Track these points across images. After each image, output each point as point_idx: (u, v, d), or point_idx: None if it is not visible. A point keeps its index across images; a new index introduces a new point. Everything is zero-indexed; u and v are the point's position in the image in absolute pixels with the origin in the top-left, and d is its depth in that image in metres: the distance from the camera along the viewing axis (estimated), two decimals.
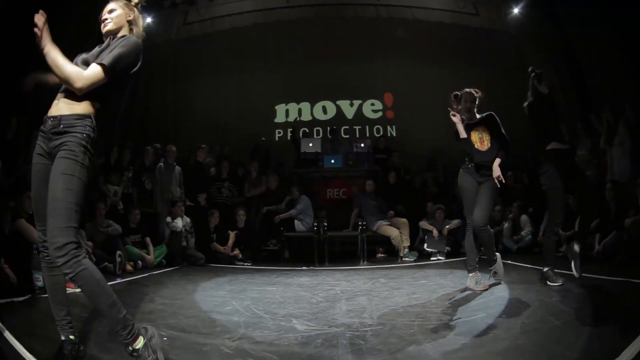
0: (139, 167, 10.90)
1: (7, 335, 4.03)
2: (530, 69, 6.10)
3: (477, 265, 6.27)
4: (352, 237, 10.60)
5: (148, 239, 9.53)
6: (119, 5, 3.73)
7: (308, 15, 14.00)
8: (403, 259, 10.09)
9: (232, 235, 10.27)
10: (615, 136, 9.64)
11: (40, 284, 6.39)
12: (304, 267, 9.38)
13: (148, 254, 9.36)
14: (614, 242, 8.53)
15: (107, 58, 3.29)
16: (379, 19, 13.91)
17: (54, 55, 3.18)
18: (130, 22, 3.76)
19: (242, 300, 5.81)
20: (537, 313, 4.29)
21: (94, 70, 3.28)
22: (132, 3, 3.82)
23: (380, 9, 13.73)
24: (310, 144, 12.73)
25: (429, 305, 5.29)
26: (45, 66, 3.21)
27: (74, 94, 3.31)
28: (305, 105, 15.07)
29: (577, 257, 6.17)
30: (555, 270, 6.04)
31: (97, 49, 3.52)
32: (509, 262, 7.70)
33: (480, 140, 6.23)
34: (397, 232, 10.34)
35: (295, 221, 11.06)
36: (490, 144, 6.19)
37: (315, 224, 10.55)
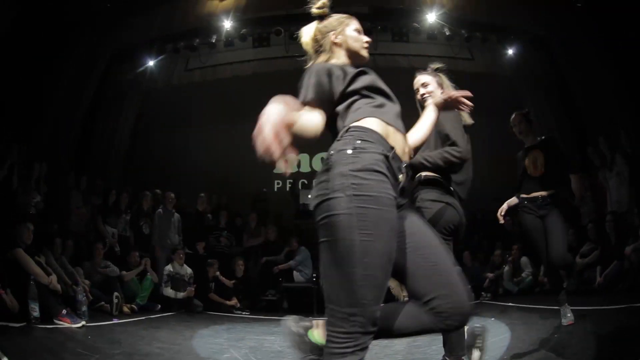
0: (136, 211, 10.94)
1: None
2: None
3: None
4: None
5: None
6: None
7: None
8: None
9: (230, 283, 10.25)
10: (613, 167, 9.66)
11: (36, 314, 6.41)
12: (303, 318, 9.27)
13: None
14: (615, 272, 8.53)
15: None
16: (376, 68, 13.95)
17: None
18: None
19: (240, 348, 5.72)
20: (540, 352, 4.23)
21: None
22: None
23: (377, 58, 13.81)
24: (310, 196, 12.73)
25: (430, 352, 5.20)
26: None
27: None
28: (304, 157, 15.13)
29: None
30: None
31: None
32: (510, 304, 7.59)
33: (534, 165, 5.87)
34: (395, 282, 10.23)
35: (294, 272, 10.99)
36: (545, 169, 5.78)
37: (314, 274, 10.48)
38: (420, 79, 4.27)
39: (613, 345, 4.49)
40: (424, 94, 4.16)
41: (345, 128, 2.62)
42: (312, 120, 2.60)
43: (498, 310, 8.06)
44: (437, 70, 4.34)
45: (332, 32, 2.93)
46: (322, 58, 2.94)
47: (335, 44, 2.93)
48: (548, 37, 11.80)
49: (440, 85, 4.20)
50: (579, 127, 11.67)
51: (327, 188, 2.41)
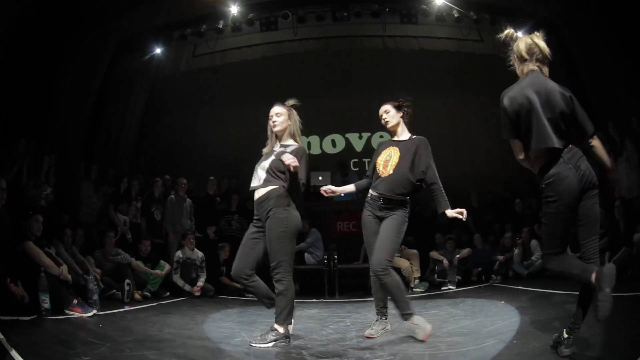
0: (148, 198, 10.97)
1: (14, 354, 3.99)
2: None
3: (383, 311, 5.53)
4: (363, 269, 10.44)
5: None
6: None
7: (316, 48, 14.07)
8: (414, 289, 10.00)
9: None
10: (623, 152, 9.61)
11: (46, 305, 6.44)
12: (314, 300, 9.31)
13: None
14: (624, 258, 8.49)
15: None
16: (386, 50, 13.97)
17: None
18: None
19: (252, 331, 5.74)
20: (547, 336, 4.23)
21: None
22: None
23: (387, 40, 13.76)
24: (320, 177, 12.69)
25: (440, 334, 5.20)
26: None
27: None
28: (314, 139, 15.07)
29: None
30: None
31: None
32: (520, 287, 7.55)
33: (385, 164, 5.50)
34: (407, 264, 10.28)
35: (305, 254, 11.02)
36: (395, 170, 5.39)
37: (326, 256, 10.51)
38: (276, 109, 5.35)
39: (622, 332, 4.49)
40: (274, 121, 5.30)
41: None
42: None
43: (508, 293, 8.07)
44: (292, 106, 5.40)
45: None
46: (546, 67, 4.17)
47: None
48: (557, 20, 11.70)
49: (289, 116, 5.33)
50: (588, 111, 11.54)
51: None
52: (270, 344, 4.87)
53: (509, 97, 3.95)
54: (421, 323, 4.99)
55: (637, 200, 9.24)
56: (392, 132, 5.70)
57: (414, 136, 5.59)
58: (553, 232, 3.93)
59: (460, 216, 5.11)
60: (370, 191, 5.46)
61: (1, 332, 4.41)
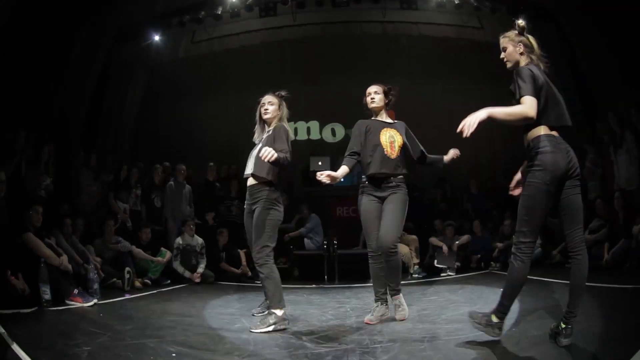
0: (148, 185, 10.97)
1: (15, 347, 4.02)
2: None
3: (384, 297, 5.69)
4: (362, 255, 10.44)
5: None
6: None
7: (315, 33, 13.97)
8: (413, 275, 10.04)
9: (242, 253, 10.20)
10: (623, 144, 9.60)
11: (47, 297, 6.42)
12: (313, 285, 9.33)
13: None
14: (623, 250, 8.56)
15: None
16: (385, 36, 13.92)
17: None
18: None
19: (252, 317, 5.79)
20: (546, 325, 4.25)
21: None
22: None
23: (386, 26, 13.68)
24: (320, 162, 12.66)
25: (439, 321, 5.26)
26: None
27: None
28: (314, 124, 14.99)
29: None
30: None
31: None
32: None
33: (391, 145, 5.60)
34: (406, 249, 10.29)
35: (305, 239, 11.05)
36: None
37: (325, 242, 10.52)
38: (268, 98, 5.69)
39: (620, 323, 4.52)
40: (266, 109, 5.63)
41: None
42: None
43: None
44: (282, 97, 5.72)
45: None
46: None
47: None
48: (557, 10, 11.65)
49: (279, 106, 5.67)
50: (588, 101, 11.56)
51: None
52: (270, 328, 5.03)
53: (535, 72, 4.15)
54: (405, 304, 5.61)
55: (637, 192, 9.23)
56: (374, 113, 5.80)
57: (396, 120, 5.87)
58: (532, 208, 4.01)
59: (456, 156, 5.68)
60: (372, 171, 5.56)
61: (2, 326, 4.44)
